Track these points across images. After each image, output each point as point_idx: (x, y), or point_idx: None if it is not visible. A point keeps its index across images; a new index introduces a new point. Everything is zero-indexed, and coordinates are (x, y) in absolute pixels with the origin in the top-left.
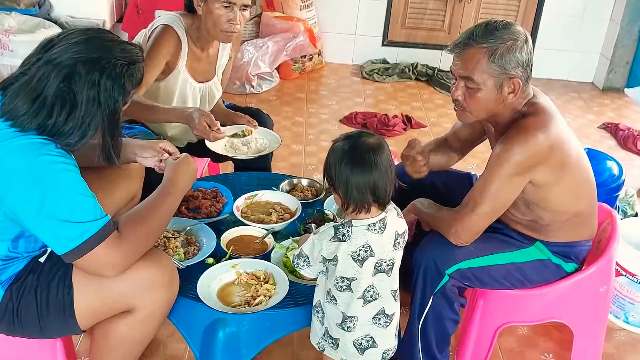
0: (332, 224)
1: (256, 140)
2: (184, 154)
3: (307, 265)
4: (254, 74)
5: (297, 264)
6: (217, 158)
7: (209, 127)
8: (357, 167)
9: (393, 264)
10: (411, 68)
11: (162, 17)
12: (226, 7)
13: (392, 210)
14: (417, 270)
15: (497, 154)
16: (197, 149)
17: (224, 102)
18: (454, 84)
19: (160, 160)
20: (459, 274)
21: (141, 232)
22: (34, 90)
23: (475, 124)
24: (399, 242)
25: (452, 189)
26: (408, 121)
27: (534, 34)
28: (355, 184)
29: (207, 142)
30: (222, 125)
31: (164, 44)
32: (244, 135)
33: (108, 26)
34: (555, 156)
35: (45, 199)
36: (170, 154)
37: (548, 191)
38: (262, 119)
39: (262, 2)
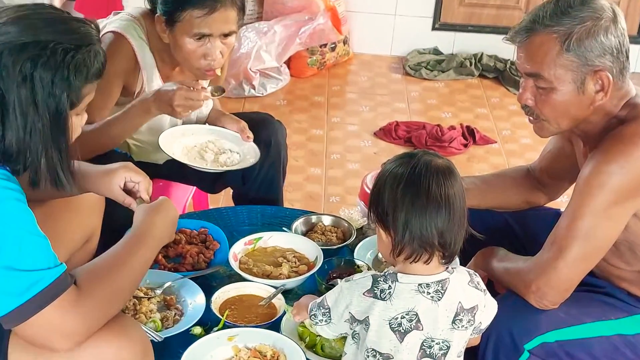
0: (371, 272)
1: (229, 152)
2: (162, 197)
3: (327, 321)
4: (255, 70)
5: (314, 315)
6: (207, 185)
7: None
8: (422, 199)
9: (448, 348)
10: (474, 61)
11: (113, 18)
12: (198, 39)
13: (462, 273)
14: (485, 345)
15: (586, 177)
16: (178, 170)
17: None
18: (522, 83)
19: (128, 191)
20: (543, 349)
21: (106, 290)
22: None
23: (565, 144)
24: (461, 320)
25: (535, 234)
26: (470, 135)
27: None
28: (417, 221)
29: (162, 142)
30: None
31: (112, 61)
32: (219, 95)
33: (57, 4)
34: None
35: None
36: (134, 193)
37: None
38: (270, 128)
39: None
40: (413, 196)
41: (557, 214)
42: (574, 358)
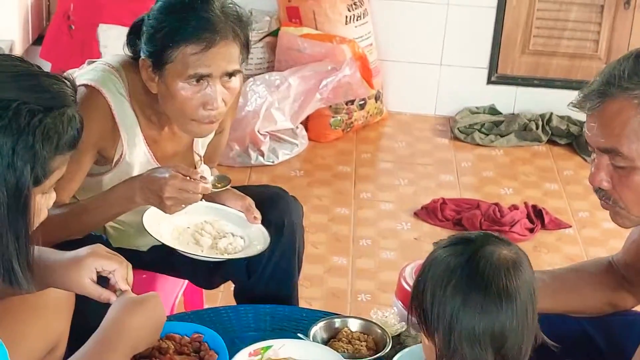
0: None
1: (230, 236)
2: (151, 292)
3: None
4: (265, 132)
5: None
6: (202, 278)
7: (188, 180)
8: (476, 299)
9: None
10: (541, 123)
11: (87, 68)
12: (196, 82)
13: None
14: None
15: None
16: (166, 259)
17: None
18: (594, 161)
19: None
20: None
21: None
22: None
23: None
24: None
25: (622, 344)
26: (537, 216)
27: None
28: (467, 327)
29: (146, 223)
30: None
31: (84, 122)
32: (223, 186)
33: (19, 51)
34: None
35: None
36: (114, 288)
37: None
38: (282, 206)
39: (281, 12)
40: (466, 294)
41: None
42: None
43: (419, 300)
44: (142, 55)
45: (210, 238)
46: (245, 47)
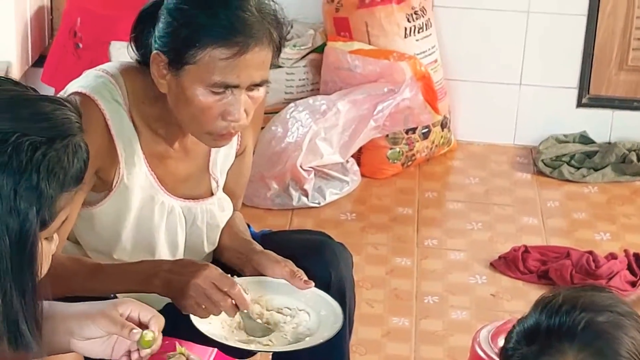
0: None
1: (296, 314)
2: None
3: None
4: (308, 167)
5: None
6: (235, 348)
7: (219, 297)
8: None
9: None
10: None
11: (84, 77)
12: (219, 92)
13: None
14: None
15: None
16: (187, 322)
17: (250, 228)
18: None
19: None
20: None
21: None
22: None
23: None
24: None
25: None
26: None
27: None
28: None
29: (194, 318)
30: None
31: None
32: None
33: (16, 74)
34: None
35: None
36: (143, 326)
37: None
38: (329, 257)
39: (326, 25)
40: None
41: None
42: None
43: None
44: (156, 48)
45: (260, 320)
46: (278, 50)
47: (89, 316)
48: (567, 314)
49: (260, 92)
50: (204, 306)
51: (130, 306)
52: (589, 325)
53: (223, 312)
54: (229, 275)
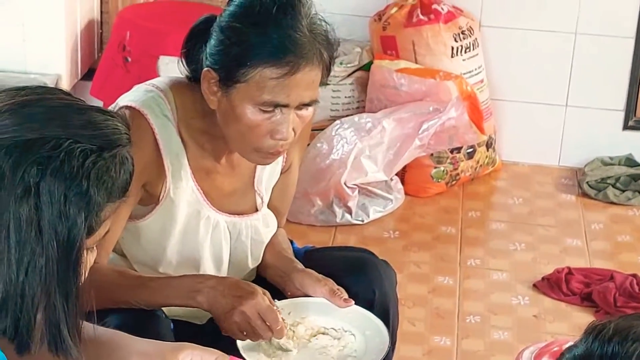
0: None
1: (342, 336)
2: None
3: None
4: (352, 185)
5: None
6: None
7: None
8: None
9: None
10: None
11: (134, 91)
12: (268, 110)
13: None
14: None
15: None
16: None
17: (293, 244)
18: None
19: None
20: None
21: None
22: None
23: None
24: None
25: None
26: None
27: None
28: None
29: (239, 343)
30: (275, 298)
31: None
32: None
33: (65, 86)
34: None
35: None
36: None
37: None
38: (373, 274)
39: (374, 43)
40: None
41: None
42: None
43: None
44: (207, 65)
45: (306, 340)
46: (328, 70)
47: (151, 358)
48: (620, 344)
49: (309, 112)
50: (244, 333)
51: (192, 353)
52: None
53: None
54: (272, 297)
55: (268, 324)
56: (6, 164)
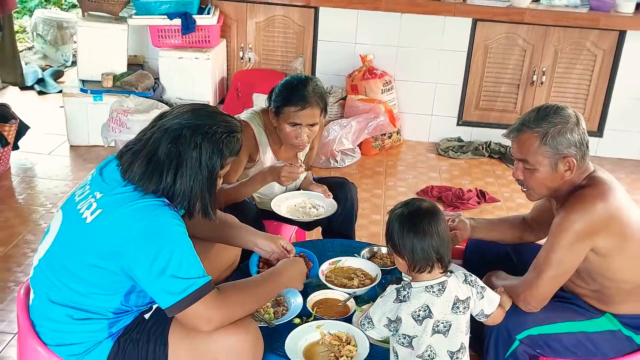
0: (394, 286)
1: (318, 207)
2: (299, 258)
3: (371, 327)
4: (338, 150)
5: (362, 324)
6: (305, 225)
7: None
8: (420, 232)
9: (450, 325)
10: (485, 146)
11: (244, 113)
12: (293, 126)
13: (458, 275)
14: (488, 335)
15: (557, 223)
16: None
17: (314, 177)
18: (515, 165)
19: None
20: (529, 339)
21: (239, 297)
22: (148, 152)
23: (547, 203)
24: (457, 307)
25: (526, 261)
26: (482, 195)
27: (603, 115)
28: (419, 247)
29: (273, 205)
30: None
31: (243, 141)
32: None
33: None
34: (615, 225)
35: (158, 255)
36: (288, 252)
37: (610, 260)
38: (346, 188)
39: (347, 87)
40: (414, 231)
41: (540, 247)
42: (550, 347)
43: (391, 239)
44: (270, 106)
45: (307, 208)
46: (324, 110)
47: (267, 239)
48: (392, 212)
49: (314, 128)
50: (289, 177)
51: (284, 240)
52: (420, 205)
53: (287, 205)
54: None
55: (295, 165)
56: (188, 134)
